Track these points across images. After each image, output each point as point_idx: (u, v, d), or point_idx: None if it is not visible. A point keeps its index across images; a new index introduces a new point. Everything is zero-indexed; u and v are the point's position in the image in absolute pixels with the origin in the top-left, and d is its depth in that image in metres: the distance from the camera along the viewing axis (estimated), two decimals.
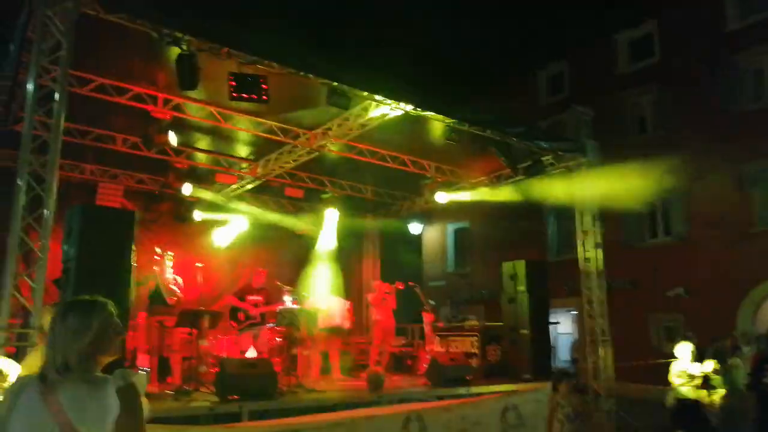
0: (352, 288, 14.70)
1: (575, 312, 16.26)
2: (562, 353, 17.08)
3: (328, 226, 13.96)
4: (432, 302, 12.96)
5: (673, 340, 11.83)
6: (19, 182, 5.32)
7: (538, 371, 8.98)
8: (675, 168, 14.21)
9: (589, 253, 9.73)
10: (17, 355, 4.45)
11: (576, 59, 17.50)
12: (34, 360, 2.14)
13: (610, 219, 13.03)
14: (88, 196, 11.27)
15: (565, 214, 16.40)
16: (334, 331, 9.37)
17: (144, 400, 2.01)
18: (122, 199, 11.70)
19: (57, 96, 5.84)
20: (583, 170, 10.09)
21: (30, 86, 5.75)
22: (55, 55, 5.94)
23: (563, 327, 17.64)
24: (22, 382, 1.98)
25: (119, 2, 6.10)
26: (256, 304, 8.39)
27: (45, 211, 5.39)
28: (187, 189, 10.85)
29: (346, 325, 9.53)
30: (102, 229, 5.93)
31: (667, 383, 7.39)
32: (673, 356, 7.40)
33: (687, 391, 7.26)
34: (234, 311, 8.31)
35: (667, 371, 7.35)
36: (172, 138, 8.48)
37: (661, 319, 13.78)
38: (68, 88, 6.73)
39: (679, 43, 14.84)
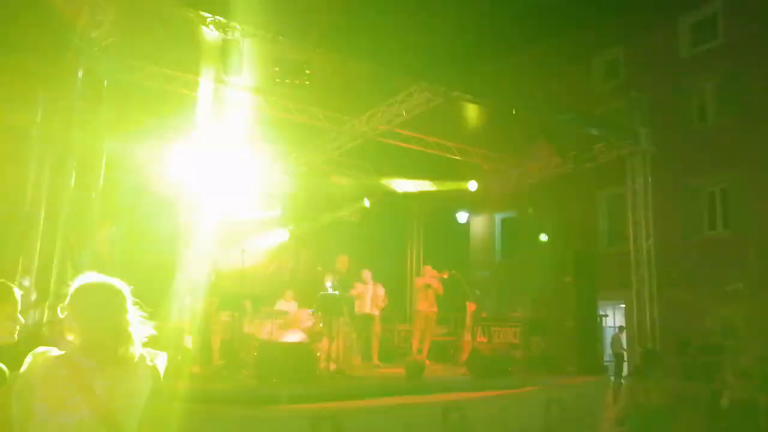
0: (394, 276, 14.68)
1: (624, 305, 15.76)
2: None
3: (373, 214, 14.07)
4: (477, 292, 12.81)
5: (731, 338, 11.33)
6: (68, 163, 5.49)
7: (584, 365, 8.73)
8: (737, 157, 13.53)
9: (641, 244, 9.37)
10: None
11: (633, 43, 16.81)
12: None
13: (666, 210, 12.54)
14: None
15: (617, 203, 15.93)
16: (364, 318, 9.32)
17: (169, 382, 1.99)
18: None
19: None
20: (637, 159, 9.72)
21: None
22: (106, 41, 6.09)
23: (613, 320, 17.15)
24: (47, 356, 1.91)
25: None
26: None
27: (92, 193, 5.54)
28: None
29: (375, 312, 9.42)
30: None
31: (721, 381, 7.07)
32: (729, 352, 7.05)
33: (744, 389, 6.92)
34: None
35: (721, 369, 7.02)
36: None
37: (718, 314, 13.18)
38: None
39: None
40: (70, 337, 1.95)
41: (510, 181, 12.77)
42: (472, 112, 9.41)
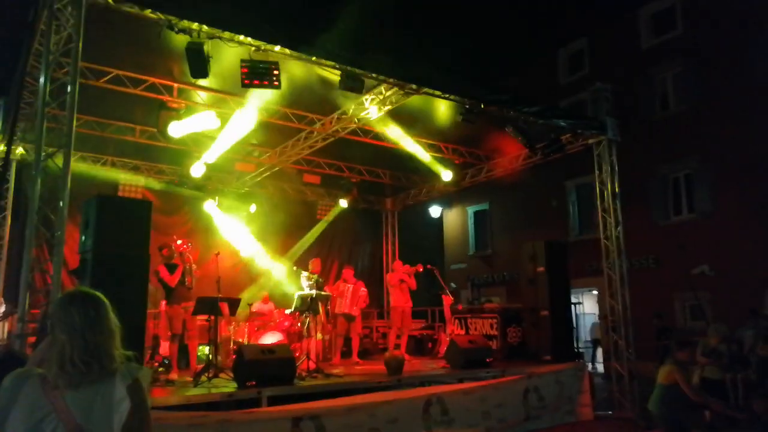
0: (372, 272, 14.75)
1: (596, 292, 16.07)
2: (585, 334, 16.92)
3: (347, 212, 14.10)
4: (453, 285, 12.93)
5: (699, 319, 11.62)
6: (34, 173, 5.37)
7: (559, 352, 8.89)
8: (699, 143, 13.88)
9: (610, 231, 9.56)
10: (36, 345, 4.52)
11: (597, 36, 17.08)
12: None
13: (633, 197, 12.81)
14: (113, 189, 11.42)
15: (586, 192, 16.22)
16: (345, 318, 9.36)
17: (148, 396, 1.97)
18: (143, 190, 11.86)
19: (69, 88, 5.87)
20: (604, 148, 9.89)
21: (41, 79, 5.78)
22: (67, 47, 5.96)
23: (586, 307, 17.46)
24: (23, 375, 1.86)
25: None
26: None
27: (60, 202, 5.43)
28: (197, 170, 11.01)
29: (355, 312, 9.46)
30: (119, 220, 5.96)
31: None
32: (698, 335, 7.26)
33: (712, 370, 7.16)
34: None
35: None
36: None
37: (686, 298, 13.53)
38: (82, 81, 6.82)
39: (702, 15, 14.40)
40: (48, 353, 1.91)
41: (481, 174, 12.90)
42: (441, 107, 9.49)
